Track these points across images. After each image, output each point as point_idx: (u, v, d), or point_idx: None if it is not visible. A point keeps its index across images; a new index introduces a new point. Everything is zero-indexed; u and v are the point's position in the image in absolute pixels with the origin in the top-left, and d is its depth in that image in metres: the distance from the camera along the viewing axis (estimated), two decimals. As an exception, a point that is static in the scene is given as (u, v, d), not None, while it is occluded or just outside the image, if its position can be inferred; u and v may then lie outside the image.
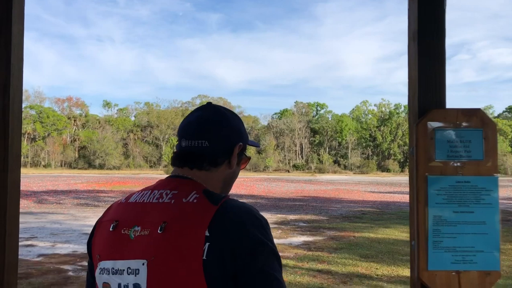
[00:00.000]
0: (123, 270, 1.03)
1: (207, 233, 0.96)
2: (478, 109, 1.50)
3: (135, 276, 1.00)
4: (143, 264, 0.99)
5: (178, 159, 1.17)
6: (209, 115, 1.18)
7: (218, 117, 1.19)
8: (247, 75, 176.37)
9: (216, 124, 1.17)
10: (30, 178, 43.96)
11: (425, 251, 1.47)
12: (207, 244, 0.95)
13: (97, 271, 1.09)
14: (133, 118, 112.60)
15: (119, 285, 1.03)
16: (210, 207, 1.00)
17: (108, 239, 1.09)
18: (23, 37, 1.49)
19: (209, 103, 1.24)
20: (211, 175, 1.16)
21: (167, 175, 1.20)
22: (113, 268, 1.05)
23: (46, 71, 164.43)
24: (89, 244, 1.16)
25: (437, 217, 1.47)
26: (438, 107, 1.51)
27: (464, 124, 1.49)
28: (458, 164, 1.48)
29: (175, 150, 1.22)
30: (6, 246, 1.40)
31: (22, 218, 13.06)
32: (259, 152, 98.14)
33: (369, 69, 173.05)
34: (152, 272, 0.98)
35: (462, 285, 1.47)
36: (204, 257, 0.94)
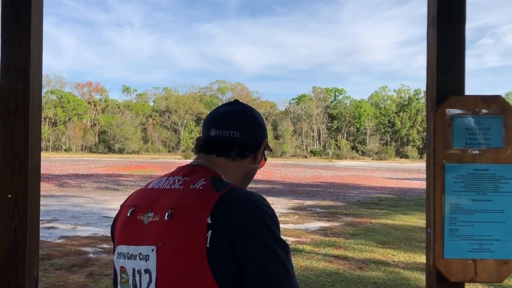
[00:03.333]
0: (136, 255, 1.04)
1: (209, 221, 0.95)
2: (498, 96, 1.47)
3: (146, 261, 1.01)
4: (152, 250, 1.00)
5: (206, 146, 1.18)
6: (239, 110, 1.21)
7: (247, 112, 1.22)
8: (265, 60, 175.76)
9: (246, 119, 1.20)
10: (52, 162, 44.81)
11: (441, 239, 1.46)
12: (210, 231, 0.94)
13: (115, 255, 1.12)
14: (151, 103, 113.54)
15: (133, 269, 1.05)
16: (213, 194, 0.99)
17: (125, 224, 1.11)
18: (42, 24, 1.51)
19: (236, 100, 1.27)
20: (234, 165, 1.17)
21: (185, 160, 1.20)
22: (127, 253, 1.07)
23: (67, 56, 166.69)
24: (112, 229, 1.19)
25: (454, 205, 1.46)
26: (457, 93, 1.48)
27: (483, 111, 1.46)
28: (477, 151, 1.46)
29: (198, 139, 1.23)
30: (28, 228, 1.44)
31: (44, 201, 13.36)
32: (276, 138, 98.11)
33: (389, 54, 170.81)
34: (161, 259, 0.99)
35: (478, 273, 1.46)
36: (208, 245, 0.93)
